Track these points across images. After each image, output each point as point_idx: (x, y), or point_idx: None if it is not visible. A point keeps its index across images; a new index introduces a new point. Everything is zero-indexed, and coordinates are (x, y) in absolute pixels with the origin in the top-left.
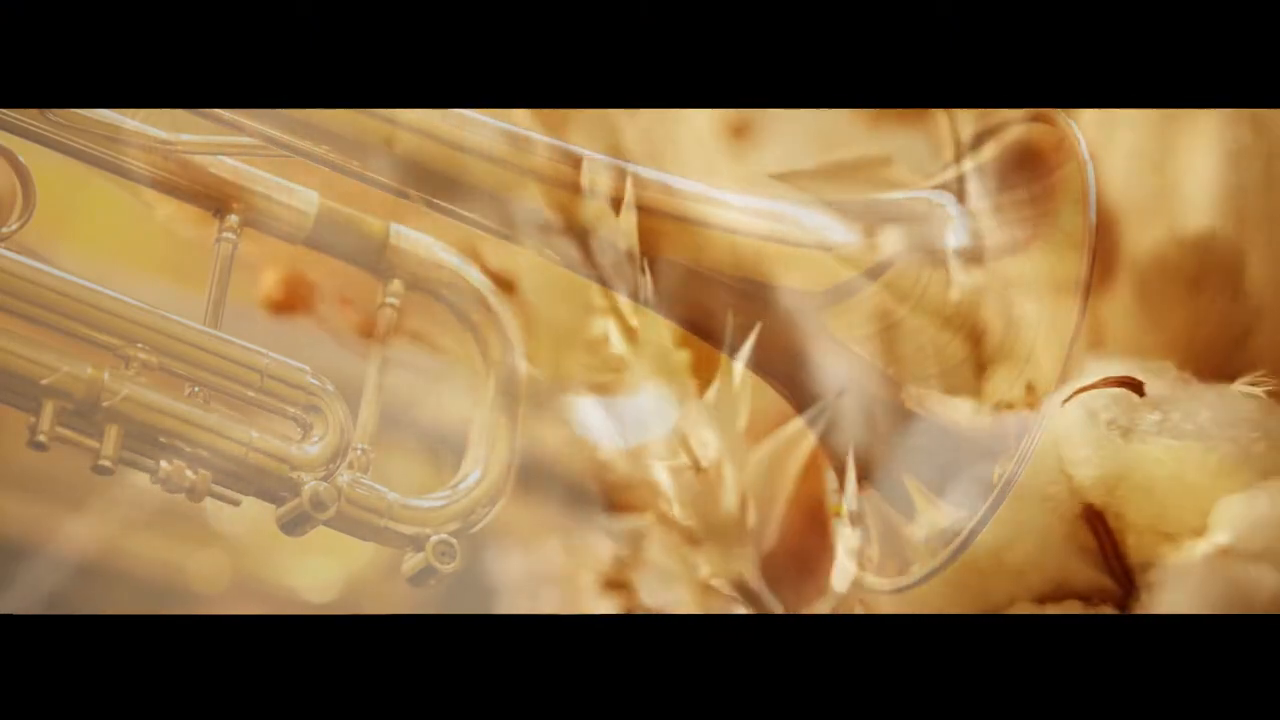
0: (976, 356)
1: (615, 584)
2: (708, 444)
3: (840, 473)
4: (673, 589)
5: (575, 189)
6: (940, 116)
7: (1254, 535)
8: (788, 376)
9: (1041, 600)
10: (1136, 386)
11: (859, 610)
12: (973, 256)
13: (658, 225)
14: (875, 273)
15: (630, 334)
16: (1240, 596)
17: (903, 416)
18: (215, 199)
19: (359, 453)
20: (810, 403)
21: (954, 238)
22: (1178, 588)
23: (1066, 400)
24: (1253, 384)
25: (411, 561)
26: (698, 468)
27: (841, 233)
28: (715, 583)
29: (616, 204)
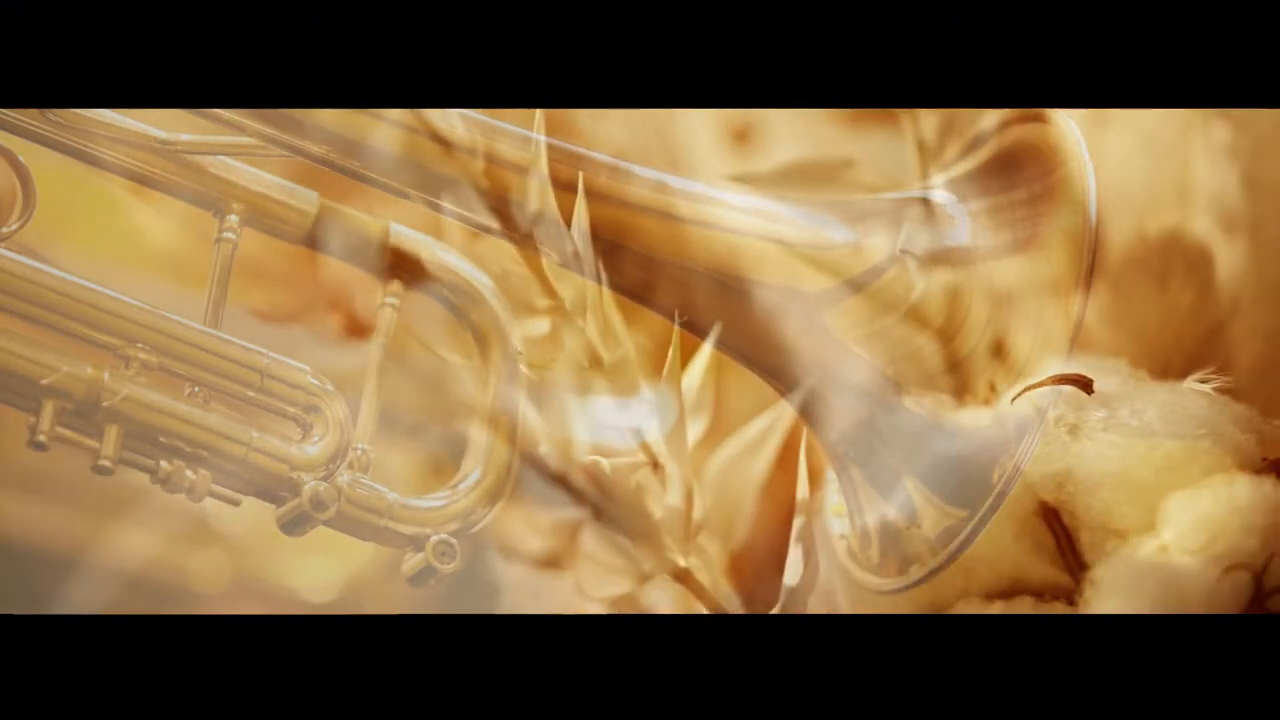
0: (973, 356)
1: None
2: (660, 440)
3: (840, 473)
4: (614, 583)
5: (547, 179)
6: (929, 118)
7: (1194, 533)
8: (788, 376)
9: (992, 596)
10: (1085, 384)
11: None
12: (971, 256)
13: (640, 220)
14: (876, 272)
15: (576, 333)
16: (1178, 594)
17: (903, 416)
18: (215, 199)
19: (359, 453)
20: (810, 402)
21: (954, 237)
22: (1121, 584)
23: (1016, 398)
24: (1203, 380)
25: (411, 561)
26: (655, 465)
27: (842, 232)
28: (658, 578)
29: (572, 192)
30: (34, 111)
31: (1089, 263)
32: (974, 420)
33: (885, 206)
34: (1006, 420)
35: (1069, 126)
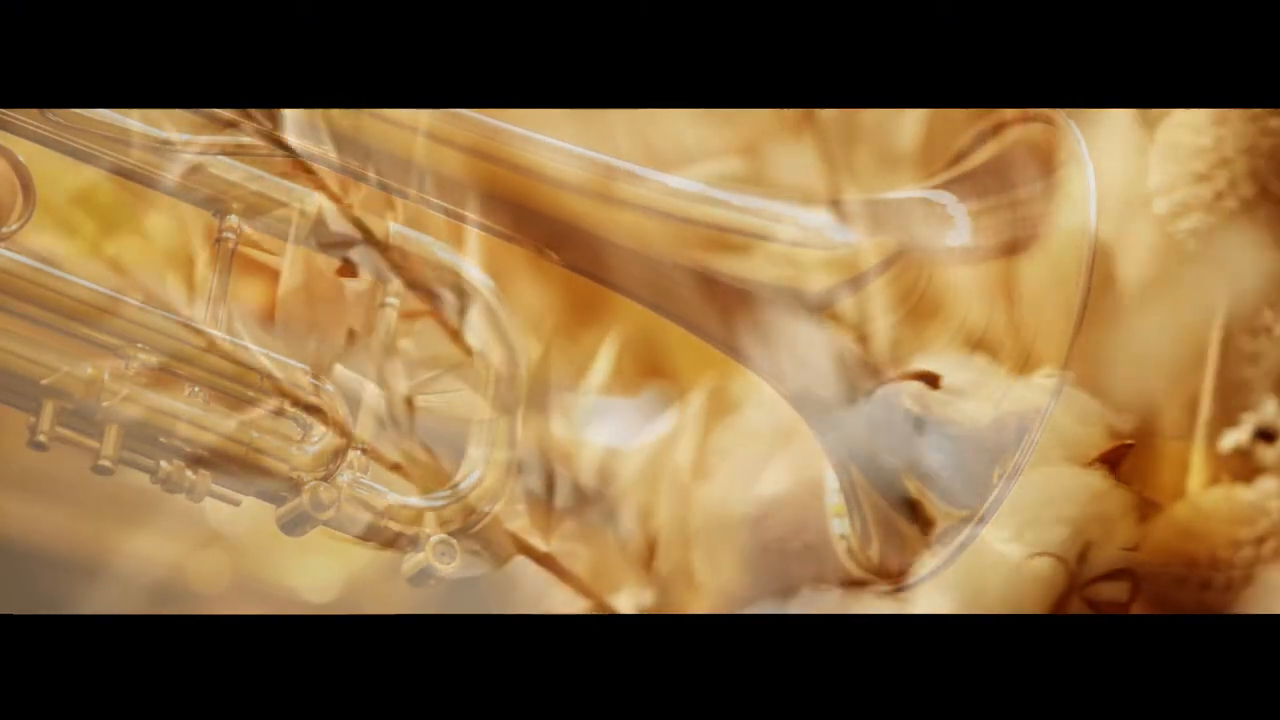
0: (971, 358)
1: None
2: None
3: (840, 472)
4: (471, 564)
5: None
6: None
7: (1007, 521)
8: (783, 374)
9: (846, 583)
10: (931, 380)
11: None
12: (969, 256)
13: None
14: (875, 272)
15: (444, 329)
16: (980, 581)
17: (903, 416)
18: (215, 199)
19: (359, 453)
20: (808, 402)
21: (953, 237)
22: (940, 576)
23: (871, 393)
24: (1048, 375)
25: (411, 561)
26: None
27: (841, 232)
28: (517, 560)
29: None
30: (34, 111)
31: (1089, 262)
32: (974, 420)
33: (885, 207)
34: (1006, 420)
35: (1069, 127)
